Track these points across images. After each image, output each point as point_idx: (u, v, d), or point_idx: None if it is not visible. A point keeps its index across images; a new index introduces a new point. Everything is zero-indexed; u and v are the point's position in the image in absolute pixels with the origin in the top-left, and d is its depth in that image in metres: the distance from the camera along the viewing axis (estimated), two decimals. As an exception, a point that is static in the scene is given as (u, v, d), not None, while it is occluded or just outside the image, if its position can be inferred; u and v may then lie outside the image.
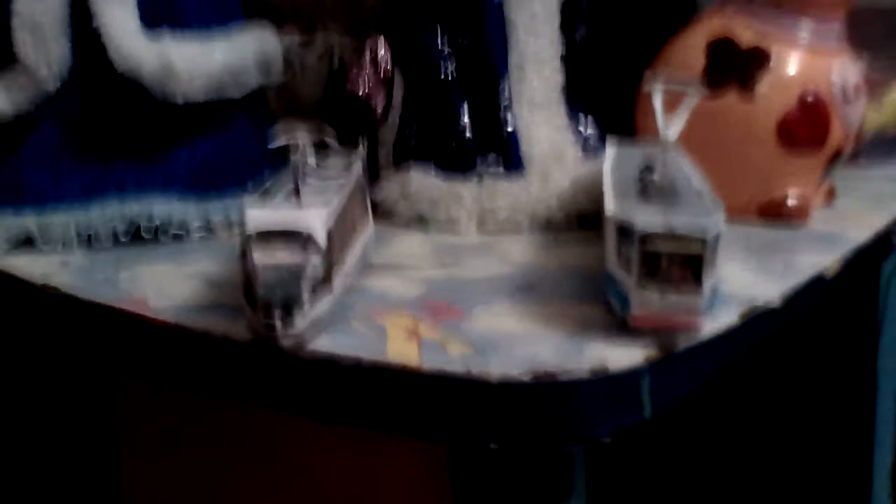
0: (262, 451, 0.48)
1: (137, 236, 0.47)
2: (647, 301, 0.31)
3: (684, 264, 0.30)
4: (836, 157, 0.47)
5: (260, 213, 0.33)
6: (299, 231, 0.32)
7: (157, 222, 0.47)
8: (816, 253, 0.42)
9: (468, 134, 0.48)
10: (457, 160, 0.48)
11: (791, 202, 0.46)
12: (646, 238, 0.30)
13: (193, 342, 0.36)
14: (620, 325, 0.33)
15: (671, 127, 0.35)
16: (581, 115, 0.50)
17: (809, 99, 0.45)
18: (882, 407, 0.67)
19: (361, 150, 0.47)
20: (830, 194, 0.50)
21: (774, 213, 0.46)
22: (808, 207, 0.47)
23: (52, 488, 0.63)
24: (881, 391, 0.66)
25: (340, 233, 0.35)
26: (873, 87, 0.52)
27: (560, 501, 0.35)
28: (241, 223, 0.33)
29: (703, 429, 0.76)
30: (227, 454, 0.50)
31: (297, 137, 0.36)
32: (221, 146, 0.50)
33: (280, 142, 0.36)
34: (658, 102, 0.36)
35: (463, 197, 0.47)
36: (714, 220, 0.31)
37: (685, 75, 0.41)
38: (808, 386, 0.69)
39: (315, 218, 0.32)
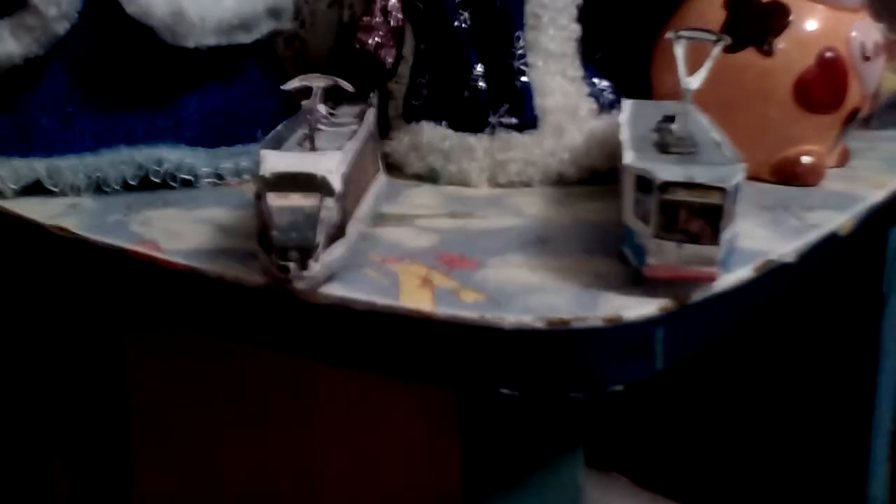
0: (270, 394, 0.48)
1: (147, 183, 0.47)
2: (664, 251, 0.30)
3: (703, 215, 0.30)
4: (852, 117, 0.47)
5: (275, 156, 0.33)
6: (314, 174, 0.31)
7: (167, 167, 0.47)
8: (830, 211, 0.42)
9: (481, 85, 0.47)
10: (469, 112, 0.48)
11: (806, 161, 0.46)
12: (665, 187, 0.30)
13: (206, 286, 0.36)
14: (635, 278, 0.33)
15: (693, 77, 0.35)
16: (596, 70, 0.49)
17: (828, 57, 0.45)
18: (884, 374, 0.67)
19: (373, 100, 0.47)
20: (845, 155, 0.49)
21: (789, 171, 0.46)
22: (822, 167, 0.46)
23: (59, 431, 0.63)
24: (884, 359, 0.67)
25: (354, 178, 0.35)
26: (891, 50, 0.51)
27: (565, 451, 0.35)
28: (256, 166, 0.32)
29: (705, 386, 0.76)
30: (235, 397, 0.51)
31: (312, 82, 0.35)
32: (231, 94, 0.50)
33: (294, 85, 0.36)
34: (680, 52, 0.35)
35: (474, 150, 0.47)
36: (734, 171, 0.30)
37: (706, 27, 0.40)
38: (811, 350, 0.70)
39: (330, 161, 0.32)
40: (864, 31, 0.45)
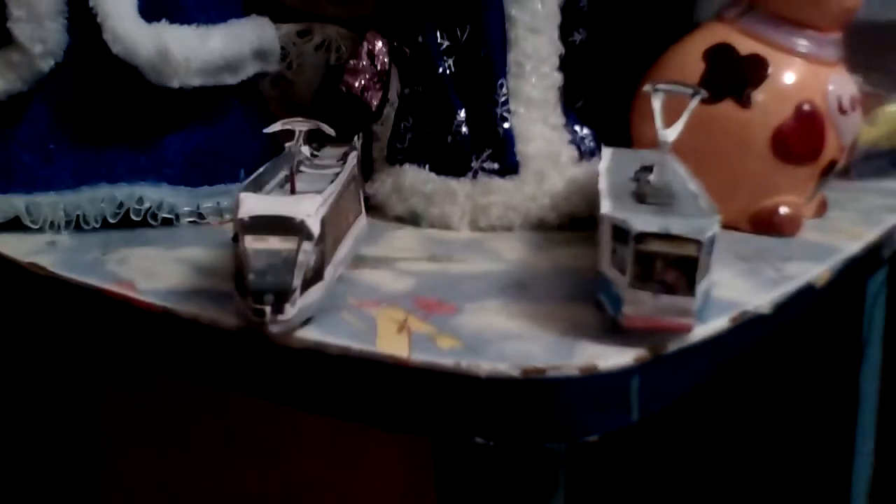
0: (244, 440, 0.48)
1: (127, 221, 0.47)
2: (639, 302, 0.30)
3: (678, 266, 0.30)
4: (829, 168, 0.47)
5: (253, 198, 0.32)
6: (292, 217, 0.31)
7: (147, 206, 0.47)
8: (807, 262, 0.42)
9: (464, 131, 0.48)
10: (452, 156, 0.48)
11: (783, 213, 0.46)
12: (641, 238, 0.30)
13: (180, 328, 0.36)
14: (611, 327, 0.33)
15: (670, 129, 0.35)
16: (577, 118, 0.50)
17: (806, 110, 0.45)
18: (863, 422, 0.67)
19: (357, 142, 0.47)
20: (822, 206, 0.50)
21: (766, 222, 0.47)
22: (799, 218, 0.47)
23: (31, 470, 0.62)
24: (863, 407, 0.67)
25: (333, 222, 0.35)
26: (867, 102, 0.52)
27: (543, 499, 0.35)
28: (234, 208, 0.32)
29: (685, 434, 0.76)
30: (210, 443, 0.50)
31: (294, 125, 0.35)
32: (215, 134, 0.50)
33: (276, 127, 0.36)
34: (658, 104, 0.35)
35: (456, 193, 0.47)
36: (710, 223, 0.31)
37: (686, 79, 0.41)
38: (791, 400, 0.70)
39: (309, 205, 0.32)
40: (841, 84, 0.46)
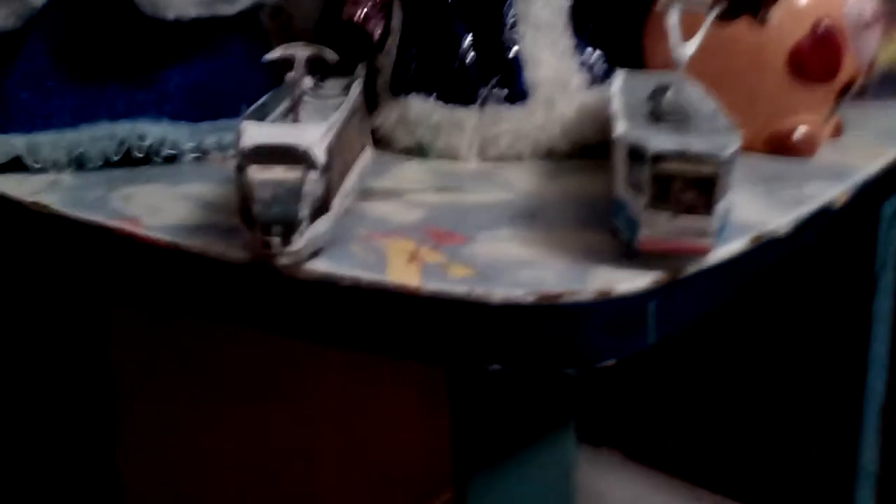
0: (257, 374, 0.48)
1: (128, 158, 0.46)
2: (656, 224, 0.30)
3: (697, 186, 0.29)
4: (846, 88, 0.46)
5: (256, 128, 0.32)
6: (297, 146, 0.30)
7: (149, 143, 0.46)
8: (824, 184, 0.41)
9: (470, 58, 0.46)
10: (458, 86, 0.47)
11: (800, 133, 0.45)
12: (658, 159, 0.29)
13: (188, 263, 0.35)
14: (627, 252, 0.32)
15: (686, 46, 0.34)
16: (586, 42, 0.48)
17: (822, 28, 0.44)
18: (875, 350, 0.67)
19: (361, 72, 0.46)
20: (839, 128, 0.49)
21: (782, 144, 0.45)
22: (816, 140, 0.46)
23: (45, 417, 0.63)
24: (875, 334, 0.67)
25: (339, 151, 0.34)
26: (886, 22, 0.50)
27: (557, 427, 0.35)
28: (237, 139, 0.32)
29: (697, 359, 0.76)
30: (223, 378, 0.50)
31: (295, 52, 0.34)
32: (215, 68, 0.49)
33: (276, 55, 0.35)
34: (673, 20, 0.34)
35: (464, 124, 0.46)
36: (729, 140, 0.30)
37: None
38: (804, 327, 0.70)
39: (313, 133, 0.31)
40: (860, 1, 0.45)
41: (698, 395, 0.77)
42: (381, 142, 0.48)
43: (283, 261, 0.31)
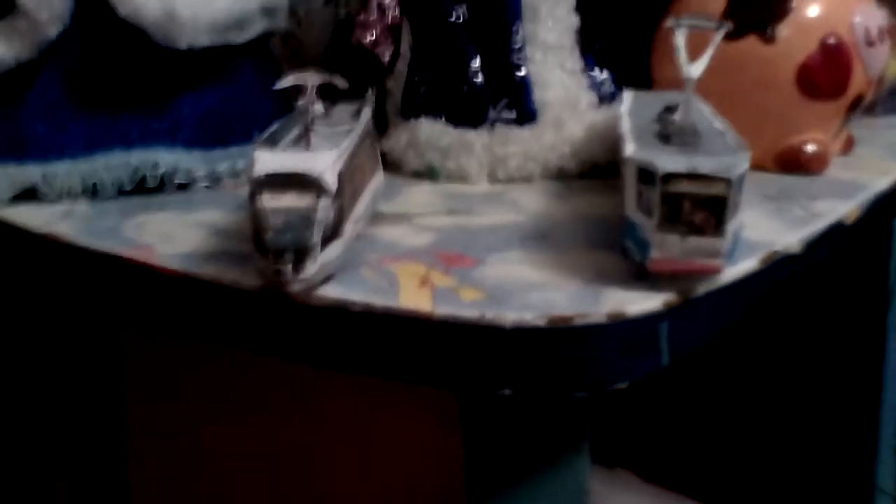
0: (271, 396, 0.48)
1: (142, 187, 0.46)
2: (667, 245, 0.30)
3: (707, 206, 0.29)
4: (856, 103, 0.46)
5: (269, 156, 0.32)
6: (309, 174, 0.31)
7: (163, 171, 0.46)
8: (835, 200, 0.41)
9: (479, 80, 0.47)
10: (467, 108, 0.47)
11: (809, 150, 0.45)
12: (668, 179, 0.29)
13: (201, 291, 0.36)
14: (638, 273, 0.32)
15: (694, 65, 0.34)
16: (595, 62, 0.48)
17: (831, 43, 0.44)
18: (890, 366, 0.67)
19: (370, 97, 0.46)
20: (849, 143, 0.49)
21: (792, 161, 0.45)
22: (826, 156, 0.46)
23: (56, 438, 0.63)
24: (889, 351, 0.66)
25: (350, 177, 0.34)
26: (894, 37, 0.50)
27: (570, 449, 0.34)
28: (250, 167, 0.32)
29: (710, 379, 0.75)
30: (236, 399, 0.50)
31: (305, 79, 0.35)
32: (227, 95, 0.49)
33: (287, 82, 0.35)
34: (681, 40, 0.34)
35: (474, 145, 0.46)
36: (738, 160, 0.30)
37: (708, 14, 0.39)
38: (818, 344, 0.69)
39: (325, 160, 0.31)
40: (868, 15, 0.45)
41: (712, 414, 0.76)
42: (391, 165, 0.48)
43: (296, 287, 0.31)
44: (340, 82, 0.36)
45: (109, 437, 0.60)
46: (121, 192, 0.46)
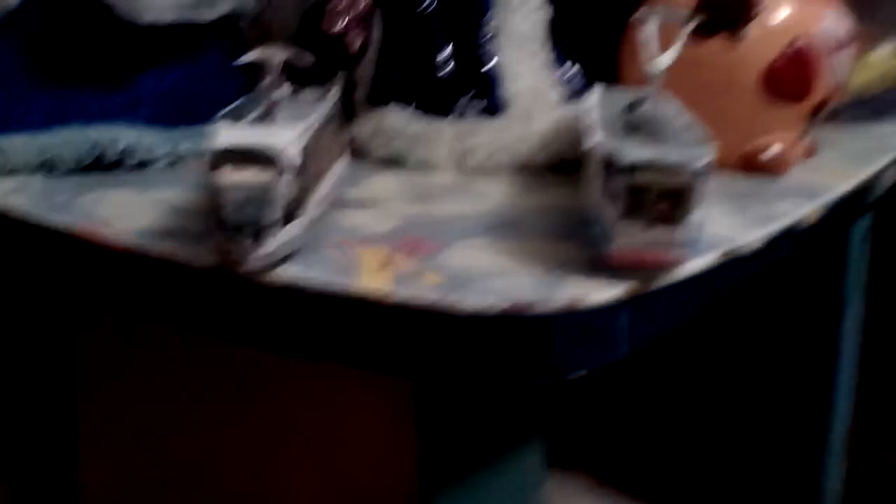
0: (223, 386, 0.47)
1: (102, 163, 0.45)
2: (630, 235, 0.30)
3: (671, 197, 0.29)
4: (820, 108, 0.46)
5: (230, 129, 0.31)
6: (271, 148, 0.30)
7: (122, 147, 0.45)
8: (795, 202, 0.41)
9: (448, 70, 0.46)
10: (436, 98, 0.47)
11: (772, 153, 0.46)
12: (632, 169, 0.29)
13: (154, 268, 0.35)
14: (600, 263, 0.32)
15: (663, 57, 0.34)
16: (564, 57, 0.48)
17: (796, 47, 0.44)
18: (842, 373, 0.68)
19: (339, 80, 0.46)
20: (812, 147, 0.49)
21: (755, 163, 0.46)
22: (789, 159, 0.46)
23: (8, 418, 0.61)
24: (842, 357, 0.67)
25: (314, 156, 0.34)
26: (858, 45, 0.51)
27: (525, 442, 0.34)
28: (210, 141, 0.31)
29: (664, 384, 0.76)
30: (186, 390, 0.49)
31: (271, 55, 0.34)
32: (192, 73, 0.48)
33: (252, 56, 0.34)
34: (650, 31, 0.34)
35: (441, 135, 0.46)
36: (703, 152, 0.30)
37: (677, 8, 0.40)
38: (772, 349, 0.70)
39: (288, 135, 0.31)
40: (835, 21, 0.45)
41: (667, 417, 0.77)
42: (357, 152, 0.47)
43: (252, 266, 0.30)
44: (308, 59, 0.36)
45: (59, 436, 0.58)
46: (79, 168, 0.45)
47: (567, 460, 0.76)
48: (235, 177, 0.30)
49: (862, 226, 0.64)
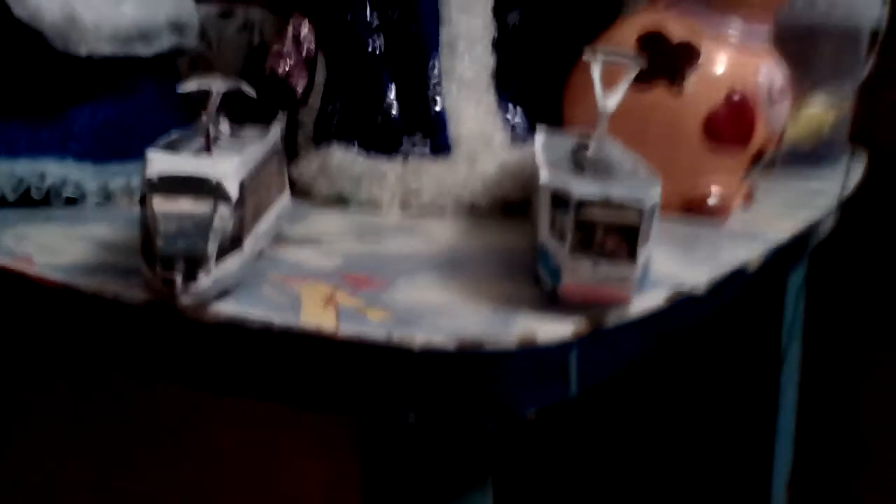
0: (156, 428, 0.44)
1: (27, 198, 0.43)
2: (579, 271, 0.29)
3: (619, 234, 0.29)
4: (758, 157, 0.47)
5: (164, 157, 0.30)
6: (208, 177, 0.29)
7: (50, 182, 0.43)
8: (738, 247, 0.42)
9: (394, 112, 0.46)
10: (381, 138, 0.46)
11: (713, 199, 0.46)
12: (581, 205, 0.29)
13: (81, 304, 0.33)
14: (549, 300, 0.31)
15: (609, 98, 0.34)
16: (509, 102, 0.48)
17: (736, 97, 0.45)
18: (783, 421, 0.68)
19: (281, 119, 0.45)
20: (749, 196, 0.50)
21: (697, 209, 0.46)
22: (729, 205, 0.47)
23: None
24: (782, 407, 0.68)
25: (254, 189, 0.32)
26: (793, 98, 0.53)
27: (475, 484, 0.33)
28: (143, 168, 0.30)
29: (607, 427, 0.76)
30: (118, 432, 0.46)
31: (210, 84, 0.33)
32: (126, 109, 0.47)
33: (191, 86, 0.33)
34: (597, 72, 0.34)
35: (386, 176, 0.45)
36: (651, 190, 0.30)
37: (624, 49, 0.40)
38: (713, 398, 0.70)
39: (227, 165, 0.30)
40: (770, 73, 0.47)
41: (608, 461, 0.77)
42: (300, 192, 0.46)
43: (186, 300, 0.29)
44: (248, 90, 0.35)
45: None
46: (3, 203, 0.43)
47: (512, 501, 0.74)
48: (168, 207, 0.28)
49: (798, 274, 0.66)
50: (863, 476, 0.76)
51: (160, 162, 0.29)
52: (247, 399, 0.31)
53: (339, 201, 0.46)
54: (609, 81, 0.37)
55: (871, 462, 0.76)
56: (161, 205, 0.28)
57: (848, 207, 0.57)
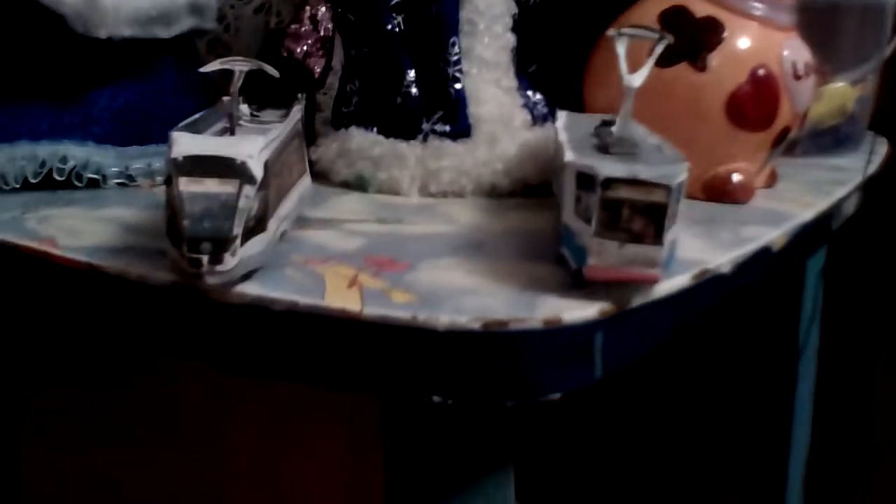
0: (179, 408, 0.45)
1: (50, 181, 0.43)
2: (605, 251, 0.29)
3: (646, 214, 0.29)
4: (782, 136, 0.47)
5: (189, 139, 0.30)
6: (233, 158, 0.29)
7: (71, 165, 0.43)
8: (762, 227, 0.41)
9: (414, 91, 0.46)
10: (401, 118, 0.46)
11: (736, 180, 0.46)
12: (608, 184, 0.28)
13: (106, 286, 0.33)
14: (574, 282, 0.31)
15: (635, 74, 0.34)
16: (529, 83, 0.48)
17: (761, 74, 0.45)
18: (800, 407, 0.68)
19: (301, 100, 0.45)
20: (773, 176, 0.50)
21: (719, 189, 0.46)
22: (752, 186, 0.46)
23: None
24: (799, 393, 0.68)
25: (277, 171, 0.32)
26: (816, 78, 0.52)
27: (497, 466, 0.33)
28: (168, 149, 0.30)
29: (623, 416, 0.76)
30: (141, 411, 0.46)
31: (233, 65, 0.33)
32: (146, 91, 0.47)
33: (214, 66, 0.33)
34: (622, 49, 0.34)
35: (406, 157, 0.45)
36: (678, 169, 0.29)
37: (650, 25, 0.39)
38: (731, 383, 0.70)
39: (251, 146, 0.30)
40: (796, 49, 0.46)
41: (625, 450, 0.77)
42: (319, 175, 0.46)
43: (212, 281, 0.29)
44: (271, 71, 0.34)
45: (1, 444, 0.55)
46: (26, 186, 0.43)
47: (530, 495, 0.74)
48: (194, 188, 0.28)
49: (817, 260, 0.65)
50: (873, 476, 0.76)
51: (185, 143, 0.29)
52: (269, 385, 0.31)
53: (359, 183, 0.46)
54: (631, 60, 0.37)
55: (882, 456, 0.76)
56: (187, 185, 0.28)
57: (867, 196, 0.56)
